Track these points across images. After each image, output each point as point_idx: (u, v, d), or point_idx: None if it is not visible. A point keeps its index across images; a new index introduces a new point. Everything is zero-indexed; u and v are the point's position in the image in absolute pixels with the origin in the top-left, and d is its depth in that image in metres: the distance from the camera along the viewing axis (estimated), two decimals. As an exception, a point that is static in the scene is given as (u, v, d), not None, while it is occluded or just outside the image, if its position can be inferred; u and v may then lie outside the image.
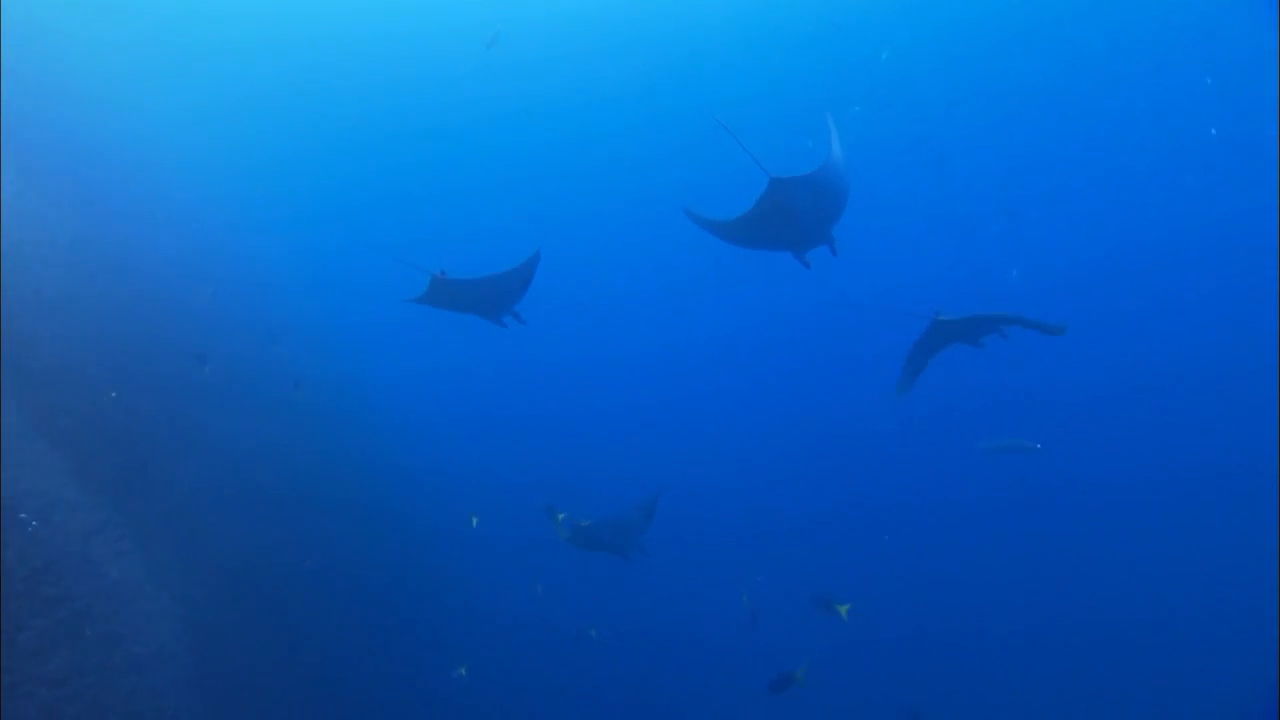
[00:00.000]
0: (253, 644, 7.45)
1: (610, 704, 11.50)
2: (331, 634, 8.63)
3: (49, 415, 7.05)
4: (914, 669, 12.86)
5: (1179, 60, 17.41)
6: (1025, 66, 18.73)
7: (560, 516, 7.71)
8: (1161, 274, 17.93)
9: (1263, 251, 15.49)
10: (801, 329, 19.40)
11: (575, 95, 21.46)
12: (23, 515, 6.09)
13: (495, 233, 21.81)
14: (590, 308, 20.90)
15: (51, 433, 6.93)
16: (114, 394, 7.87)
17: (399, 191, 22.78)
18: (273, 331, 11.87)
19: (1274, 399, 13.39)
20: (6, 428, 6.48)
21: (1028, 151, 19.28)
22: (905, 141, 19.35)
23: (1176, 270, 17.80)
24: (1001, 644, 13.37)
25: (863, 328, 17.45)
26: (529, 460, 15.60)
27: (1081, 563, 14.58)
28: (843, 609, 7.09)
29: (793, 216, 5.38)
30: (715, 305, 20.61)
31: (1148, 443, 16.18)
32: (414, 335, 17.40)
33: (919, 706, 8.94)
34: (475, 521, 8.90)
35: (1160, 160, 18.32)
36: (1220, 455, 14.95)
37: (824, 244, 5.87)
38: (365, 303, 17.24)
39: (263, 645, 7.57)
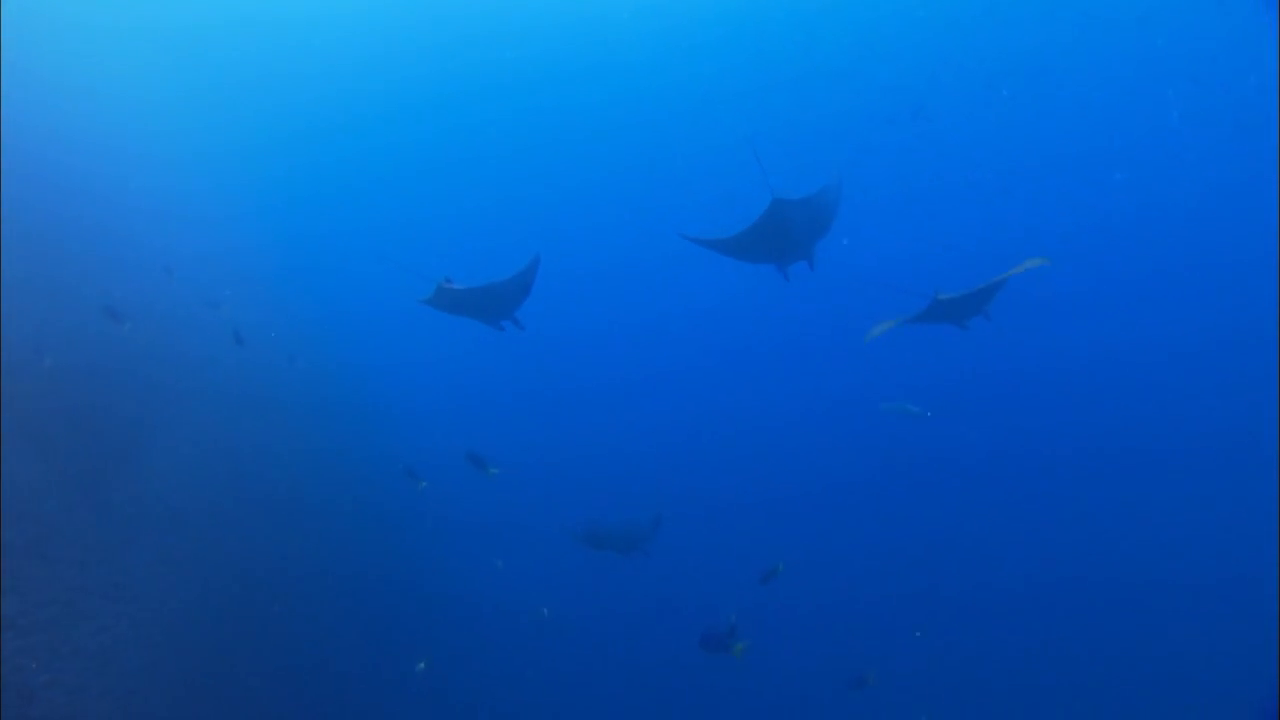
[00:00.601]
0: (212, 642, 7.57)
1: (567, 683, 11.78)
2: (297, 630, 8.79)
3: (13, 408, 6.86)
4: (868, 639, 13.13)
5: (1170, 36, 17.29)
6: (1012, 37, 18.53)
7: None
8: (1154, 249, 18.04)
9: (1260, 228, 15.51)
10: (795, 316, 19.34)
11: (554, 81, 21.03)
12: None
13: (486, 222, 21.58)
14: (573, 293, 20.72)
15: (14, 427, 6.75)
16: (48, 361, 7.66)
17: (391, 185, 22.39)
18: (213, 298, 11.57)
19: (1274, 380, 13.49)
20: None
21: (1012, 128, 19.21)
22: (881, 119, 19.19)
23: (1167, 246, 17.91)
24: (959, 615, 13.66)
25: (855, 312, 17.40)
26: (499, 443, 15.54)
27: (1058, 534, 14.88)
28: (777, 568, 7.40)
29: (787, 233, 5.77)
30: (711, 296, 20.46)
31: (1123, 418, 16.45)
32: (392, 328, 17.28)
33: (866, 673, 9.13)
34: (424, 485, 8.91)
35: (1149, 139, 18.32)
36: (1207, 433, 15.17)
37: (805, 259, 6.34)
38: (349, 295, 17.06)
39: (223, 642, 7.69)
